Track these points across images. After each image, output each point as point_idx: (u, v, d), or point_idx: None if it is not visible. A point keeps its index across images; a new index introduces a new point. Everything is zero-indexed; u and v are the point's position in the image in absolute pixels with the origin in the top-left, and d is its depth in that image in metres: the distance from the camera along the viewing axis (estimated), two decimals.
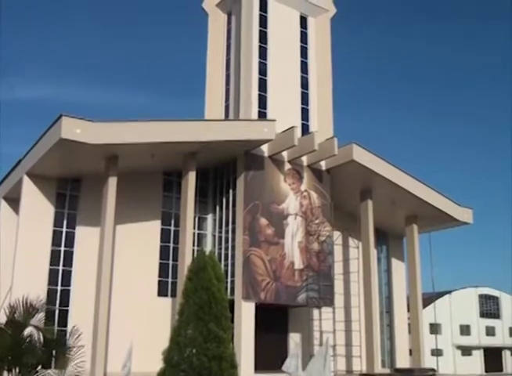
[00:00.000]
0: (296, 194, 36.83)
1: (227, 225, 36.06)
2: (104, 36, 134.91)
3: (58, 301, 31.88)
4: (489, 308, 78.40)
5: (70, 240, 33.11)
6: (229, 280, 34.16)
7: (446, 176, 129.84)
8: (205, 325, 15.06)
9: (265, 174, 35.76)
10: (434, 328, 61.66)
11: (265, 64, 38.71)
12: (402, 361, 43.72)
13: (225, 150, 34.17)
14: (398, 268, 46.10)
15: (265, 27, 39.55)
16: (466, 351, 74.10)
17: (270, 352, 33.77)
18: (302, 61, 40.88)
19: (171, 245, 35.72)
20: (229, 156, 35.39)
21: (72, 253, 32.99)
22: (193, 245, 33.48)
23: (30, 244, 31.12)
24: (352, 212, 40.67)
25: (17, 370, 13.30)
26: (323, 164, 37.87)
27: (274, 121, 34.43)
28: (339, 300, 38.98)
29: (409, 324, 43.70)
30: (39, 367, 13.68)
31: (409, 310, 43.31)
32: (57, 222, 32.93)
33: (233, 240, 35.08)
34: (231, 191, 36.12)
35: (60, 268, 32.55)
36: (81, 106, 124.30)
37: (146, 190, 35.31)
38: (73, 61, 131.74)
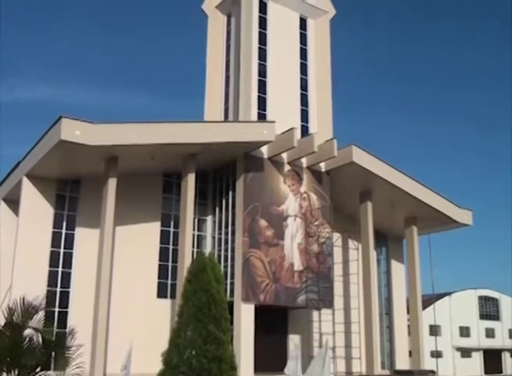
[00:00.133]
0: (295, 196, 36.83)
1: (226, 226, 36.05)
2: (104, 37, 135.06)
3: (57, 303, 31.85)
4: (489, 310, 78.37)
5: (70, 242, 33.09)
6: (229, 281, 34.16)
7: (446, 178, 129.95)
8: (204, 327, 15.06)
9: (264, 175, 35.76)
10: (434, 330, 61.59)
11: (265, 66, 38.74)
12: (402, 363, 43.70)
13: (224, 151, 34.18)
14: (398, 269, 46.09)
15: (265, 29, 39.58)
16: (465, 353, 74.06)
17: (270, 353, 33.76)
18: (302, 63, 40.90)
19: (171, 247, 35.70)
20: (229, 157, 35.39)
21: (71, 254, 32.97)
22: (193, 247, 33.46)
23: (30, 246, 31.11)
24: (352, 214, 40.67)
25: (16, 371, 13.29)
26: (323, 166, 37.88)
27: (273, 122, 34.44)
28: (338, 302, 38.97)
29: (408, 326, 43.68)
30: (38, 369, 13.66)
31: (408, 312, 43.29)
32: (57, 224, 32.91)
33: (233, 241, 35.07)
34: (230, 193, 36.12)
35: (60, 269, 32.53)
36: (81, 107, 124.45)
37: (146, 192, 35.30)
38: (73, 62, 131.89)
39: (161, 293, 35.00)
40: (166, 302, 34.25)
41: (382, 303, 44.65)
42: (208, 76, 40.66)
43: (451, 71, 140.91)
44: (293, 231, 36.20)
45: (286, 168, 36.83)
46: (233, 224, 35.28)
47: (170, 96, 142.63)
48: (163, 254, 35.63)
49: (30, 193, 31.89)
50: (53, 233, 32.68)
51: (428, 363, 44.50)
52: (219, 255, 35.48)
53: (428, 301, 54.80)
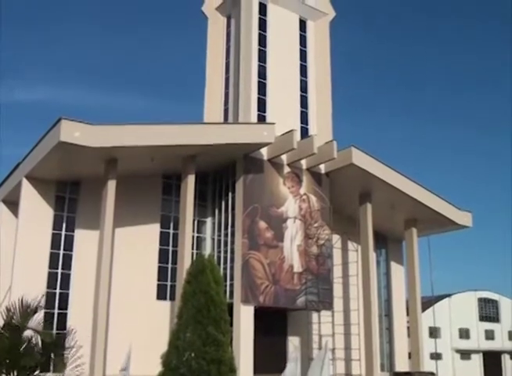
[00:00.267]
0: (295, 197, 36.83)
1: (226, 228, 36.05)
2: (104, 38, 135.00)
3: (57, 305, 31.84)
4: (489, 311, 78.29)
5: (69, 243, 33.08)
6: (228, 283, 34.16)
7: (446, 180, 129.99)
8: (204, 328, 15.05)
9: (264, 177, 35.76)
10: (434, 332, 61.52)
11: (265, 67, 38.76)
12: (401, 365, 43.68)
13: (224, 153, 34.18)
14: (398, 271, 46.08)
15: (265, 31, 39.60)
16: (465, 355, 73.96)
17: (269, 355, 33.74)
18: (301, 64, 40.93)
19: (170, 248, 35.69)
20: (229, 159, 35.40)
21: (71, 256, 32.95)
22: (192, 248, 33.44)
23: (29, 247, 31.10)
24: (351, 216, 40.67)
25: (15, 373, 13.26)
26: (322, 168, 37.88)
27: (273, 124, 34.46)
28: (338, 303, 38.96)
29: (408, 328, 43.65)
30: (38, 370, 13.64)
31: (408, 314, 43.27)
32: (56, 225, 32.90)
33: (232, 243, 35.07)
34: (230, 194, 36.12)
35: (59, 271, 32.52)
36: (81, 108, 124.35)
37: (146, 194, 35.29)
38: (73, 64, 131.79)
39: (161, 295, 34.98)
40: (165, 304, 34.24)
41: (382, 305, 44.64)
42: (208, 77, 40.68)
43: (451, 73, 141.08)
44: (293, 233, 36.20)
45: (286, 169, 36.84)
46: (233, 226, 35.28)
47: (170, 98, 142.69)
48: (162, 255, 35.61)
49: (29, 194, 31.88)
50: (53, 234, 32.67)
51: (428, 365, 44.49)
52: (219, 257, 35.46)
53: (428, 303, 54.75)
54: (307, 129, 39.21)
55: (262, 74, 38.50)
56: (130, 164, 31.79)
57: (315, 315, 38.17)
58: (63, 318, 31.51)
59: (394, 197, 39.09)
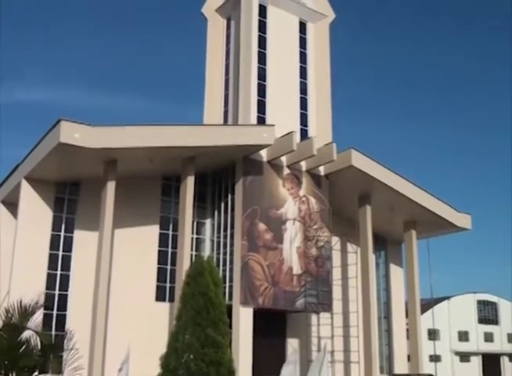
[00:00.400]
0: (294, 199, 36.82)
1: (225, 230, 36.03)
2: (104, 41, 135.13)
3: (56, 306, 31.82)
4: (488, 314, 78.28)
5: (69, 245, 33.06)
6: (227, 285, 34.12)
7: (445, 182, 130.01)
8: (203, 330, 15.05)
9: (263, 179, 35.76)
10: (433, 334, 61.51)
11: (264, 69, 38.76)
12: (400, 367, 43.64)
13: (223, 154, 34.18)
14: (397, 273, 46.07)
15: (265, 33, 39.62)
16: (464, 357, 73.94)
17: (268, 357, 33.69)
18: (301, 66, 40.94)
19: (170, 250, 35.66)
20: (228, 161, 35.40)
21: (70, 257, 32.94)
22: (191, 250, 33.44)
23: (29, 248, 31.08)
24: (351, 218, 40.66)
25: (14, 374, 13.24)
26: (322, 170, 37.88)
27: (273, 126, 34.48)
28: (337, 305, 38.92)
29: (407, 330, 43.62)
30: (36, 372, 13.62)
31: (407, 316, 43.24)
32: (55, 227, 32.89)
33: (232, 245, 35.06)
34: (229, 196, 36.11)
35: (58, 272, 32.50)
36: (81, 110, 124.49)
37: (145, 195, 35.27)
38: (73, 65, 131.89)
39: (160, 296, 34.95)
40: (164, 306, 34.20)
41: (381, 307, 44.63)
42: (208, 79, 40.68)
43: (450, 75, 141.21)
44: (292, 235, 36.19)
45: (286, 171, 36.83)
46: (232, 227, 35.27)
47: (169, 99, 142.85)
48: (161, 257, 35.59)
49: (28, 195, 31.87)
50: (52, 235, 32.66)
51: (427, 368, 44.51)
52: (218, 259, 35.45)
53: (427, 305, 54.74)
54: (306, 131, 39.21)
55: (262, 75, 38.51)
56: (129, 165, 31.78)
57: (314, 317, 38.15)
58: (61, 319, 31.49)
59: (393, 199, 39.09)
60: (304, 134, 38.65)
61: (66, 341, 14.07)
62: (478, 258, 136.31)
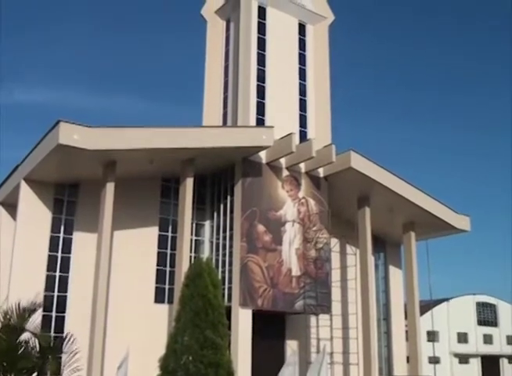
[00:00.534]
0: (294, 201, 36.82)
1: (224, 231, 36.02)
2: (103, 42, 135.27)
3: (54, 307, 31.78)
4: (487, 316, 78.29)
5: (68, 246, 33.03)
6: (227, 286, 34.09)
7: (445, 183, 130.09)
8: (202, 332, 15.03)
9: (262, 180, 35.76)
10: (432, 336, 61.53)
11: (264, 71, 38.78)
12: (400, 369, 43.64)
13: (222, 156, 34.19)
14: (396, 275, 46.08)
15: (264, 34, 39.65)
16: (463, 359, 73.95)
17: (267, 359, 33.67)
18: (300, 68, 40.96)
19: (169, 251, 35.63)
20: (227, 162, 35.40)
21: (69, 259, 32.90)
22: (191, 252, 33.43)
23: (28, 250, 31.05)
24: (350, 219, 40.67)
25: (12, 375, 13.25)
26: (321, 171, 37.89)
27: (272, 127, 34.49)
28: (336, 307, 38.89)
29: (406, 332, 43.62)
30: (35, 373, 13.62)
31: (406, 317, 43.25)
32: (54, 228, 32.85)
33: (231, 246, 35.04)
34: (229, 197, 36.10)
35: (57, 274, 32.45)
36: (80, 111, 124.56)
37: (144, 196, 35.26)
38: (72, 66, 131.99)
39: (159, 298, 34.93)
40: (163, 307, 34.17)
41: (380, 309, 44.62)
42: (207, 81, 40.70)
43: (450, 75, 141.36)
44: (291, 236, 36.18)
45: (285, 173, 36.84)
46: (231, 229, 35.26)
47: (169, 101, 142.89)
48: (160, 258, 35.56)
49: (28, 196, 31.85)
50: (51, 237, 32.62)
51: (426, 369, 44.49)
52: (217, 260, 35.44)
53: (426, 306, 54.74)
54: (305, 133, 39.23)
55: (261, 77, 38.53)
56: (129, 166, 31.78)
57: (313, 319, 38.14)
58: (60, 321, 31.46)
59: (392, 201, 39.10)
60: (303, 136, 38.68)
61: (65, 344, 14.07)
62: (477, 259, 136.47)
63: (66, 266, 32.73)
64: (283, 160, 36.38)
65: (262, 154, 35.63)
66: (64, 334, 14.34)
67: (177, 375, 14.90)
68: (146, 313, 33.50)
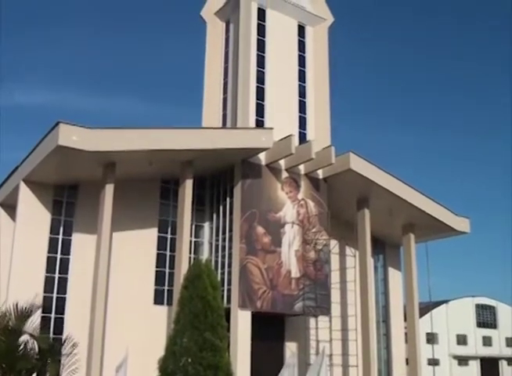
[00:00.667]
0: (293, 203, 36.80)
1: (224, 233, 35.99)
2: (103, 43, 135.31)
3: (53, 309, 31.75)
4: (486, 318, 78.27)
5: (67, 248, 33.00)
6: (226, 288, 34.06)
7: (445, 186, 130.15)
8: (201, 334, 15.02)
9: (262, 182, 35.74)
10: (431, 338, 61.51)
11: (263, 73, 38.79)
12: (399, 370, 43.59)
13: (222, 158, 34.17)
14: (395, 277, 46.05)
15: (263, 36, 39.66)
16: (462, 361, 73.92)
17: (266, 361, 33.64)
18: (300, 70, 40.97)
19: (168, 253, 35.60)
20: (227, 164, 35.39)
21: (68, 260, 32.87)
22: (190, 253, 33.42)
23: (27, 251, 31.02)
24: (349, 221, 40.64)
25: None
26: (320, 173, 37.87)
27: (271, 129, 34.48)
28: (335, 309, 38.87)
29: (405, 334, 43.59)
30: (34, 375, 13.60)
31: (405, 319, 43.22)
32: (54, 229, 32.82)
33: (230, 248, 35.01)
34: (228, 199, 36.08)
35: (56, 275, 32.41)
36: (80, 112, 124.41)
37: (143, 198, 35.24)
38: (73, 67, 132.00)
39: (158, 299, 34.89)
40: (162, 309, 34.14)
41: (379, 311, 44.58)
42: (206, 82, 40.70)
43: (450, 78, 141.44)
44: (291, 238, 36.16)
45: (284, 174, 36.83)
46: (230, 230, 35.23)
47: (168, 102, 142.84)
48: (160, 260, 35.52)
49: (27, 198, 31.82)
50: (50, 238, 32.58)
51: (425, 371, 44.48)
52: (216, 262, 35.40)
53: (425, 308, 54.76)
54: (305, 134, 39.23)
55: (261, 79, 38.53)
56: (128, 168, 31.76)
57: (312, 320, 38.10)
58: (59, 322, 31.43)
59: (392, 203, 39.08)
60: (302, 137, 38.69)
61: (64, 346, 14.06)
62: (477, 261, 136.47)
63: (65, 268, 32.69)
64: (282, 162, 36.37)
65: (262, 156, 35.62)
66: (63, 336, 14.35)
67: None
68: (145, 315, 33.46)
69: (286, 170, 36.82)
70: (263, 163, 35.89)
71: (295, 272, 35.79)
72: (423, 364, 45.85)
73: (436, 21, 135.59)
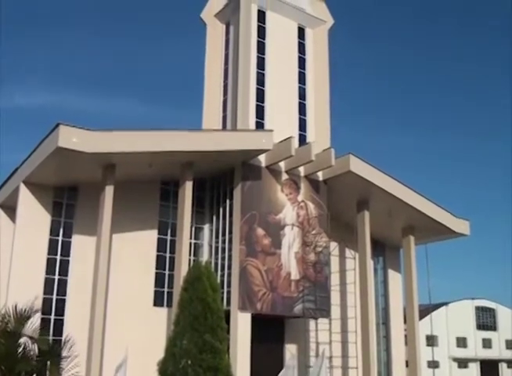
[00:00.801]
0: (293, 205, 36.80)
1: (224, 235, 35.98)
2: (104, 45, 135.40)
3: (53, 311, 31.71)
4: (486, 320, 78.28)
5: (67, 249, 32.95)
6: (225, 290, 34.03)
7: (445, 188, 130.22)
8: (200, 336, 15.01)
9: (262, 184, 35.74)
10: (431, 340, 61.49)
11: (263, 74, 38.80)
12: (399, 373, 43.56)
13: (222, 159, 34.16)
14: (395, 279, 46.02)
15: (263, 38, 39.69)
16: (462, 363, 73.93)
17: (266, 363, 33.62)
18: (300, 72, 40.98)
19: (168, 255, 35.57)
20: (227, 166, 35.39)
21: (68, 262, 32.84)
22: (190, 255, 33.39)
23: (27, 253, 30.99)
24: (349, 223, 40.63)
25: None
26: (320, 175, 37.87)
27: (271, 131, 34.48)
28: (335, 311, 38.84)
29: (405, 336, 43.57)
30: None
31: (405, 322, 43.20)
32: (53, 231, 32.77)
33: (230, 250, 34.99)
34: (228, 201, 36.08)
35: (56, 277, 32.39)
36: (80, 114, 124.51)
37: (143, 199, 35.22)
38: (72, 69, 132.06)
39: (158, 301, 34.86)
40: (162, 311, 34.11)
41: (379, 313, 44.53)
42: (206, 84, 40.70)
43: (450, 80, 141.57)
44: (291, 240, 36.15)
45: (284, 176, 36.83)
46: (230, 232, 35.21)
47: (168, 104, 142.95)
48: (159, 262, 35.48)
49: (27, 199, 31.80)
50: (50, 240, 32.53)
51: (425, 374, 44.44)
52: (216, 264, 35.37)
53: (425, 311, 54.74)
54: (305, 136, 39.23)
55: (261, 81, 38.54)
56: (128, 169, 31.75)
57: (312, 322, 38.05)
58: (59, 324, 31.38)
59: (391, 205, 39.08)
60: (302, 139, 38.68)
61: (64, 348, 14.03)
62: (477, 264, 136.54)
63: (65, 269, 32.64)
64: (282, 164, 36.37)
65: (262, 158, 35.62)
66: (63, 338, 14.32)
67: None
68: (145, 317, 33.42)
69: (286, 172, 36.82)
70: (263, 165, 35.90)
71: (295, 275, 35.77)
72: (423, 367, 45.82)
73: (436, 22, 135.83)
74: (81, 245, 32.66)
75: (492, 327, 78.32)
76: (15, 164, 33.34)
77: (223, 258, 35.55)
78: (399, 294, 45.58)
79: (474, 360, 74.47)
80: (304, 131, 39.57)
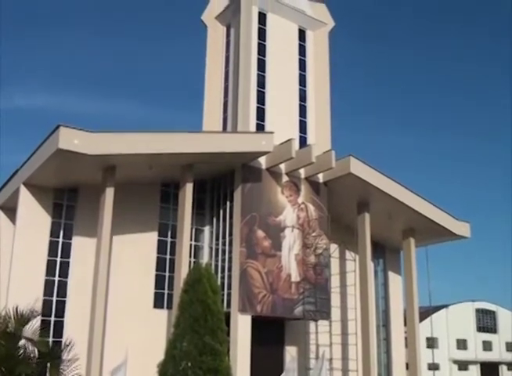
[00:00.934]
0: (293, 207, 36.79)
1: (224, 237, 35.97)
2: (104, 47, 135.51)
3: (53, 312, 31.69)
4: (486, 322, 78.21)
5: (67, 251, 32.96)
6: (226, 292, 34.01)
7: (445, 189, 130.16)
8: (201, 338, 15.00)
9: (262, 186, 35.74)
10: (431, 342, 61.42)
11: (264, 77, 38.82)
12: (399, 375, 43.51)
13: (222, 161, 34.17)
14: (395, 281, 45.99)
15: (264, 40, 39.73)
16: (462, 365, 73.83)
17: (266, 365, 33.57)
18: (300, 74, 41.01)
19: (168, 257, 35.57)
20: (227, 168, 35.39)
21: (68, 263, 32.83)
22: (190, 257, 33.36)
23: (27, 254, 30.98)
24: (349, 225, 40.62)
25: None
26: (321, 177, 37.88)
27: (272, 133, 34.47)
28: (335, 313, 38.81)
29: (405, 338, 43.52)
30: None
31: (405, 324, 43.17)
32: (54, 233, 32.78)
33: (230, 252, 34.98)
34: (228, 203, 36.07)
35: (56, 278, 32.38)
36: (81, 116, 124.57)
37: (144, 201, 35.22)
38: (73, 71, 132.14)
39: (158, 303, 34.84)
40: (162, 313, 34.09)
41: (379, 315, 44.51)
42: (207, 86, 40.73)
43: (450, 80, 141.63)
44: (291, 242, 36.13)
45: (284, 178, 36.82)
46: (231, 234, 35.21)
47: (168, 106, 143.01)
48: (160, 264, 35.48)
49: (27, 201, 31.80)
50: (50, 241, 32.54)
51: None
52: (216, 266, 35.35)
53: (425, 313, 54.68)
54: (305, 138, 39.24)
55: (261, 83, 38.56)
56: (128, 171, 31.75)
57: (312, 324, 38.05)
58: (59, 325, 31.37)
59: (392, 207, 39.06)
60: (303, 141, 38.69)
61: (64, 350, 14.02)
62: (477, 266, 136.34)
63: (65, 271, 32.64)
64: (282, 166, 36.37)
65: (262, 160, 35.62)
66: (63, 339, 14.31)
67: None
68: (145, 319, 33.41)
69: (287, 174, 36.83)
70: (263, 167, 35.90)
71: (295, 277, 35.75)
72: (424, 369, 45.80)
73: (436, 23, 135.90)
74: (81, 247, 32.65)
75: (493, 330, 78.26)
76: (15, 165, 33.39)
77: (223, 260, 35.53)
78: (399, 297, 45.55)
79: (474, 362, 74.39)
80: (305, 133, 39.58)
